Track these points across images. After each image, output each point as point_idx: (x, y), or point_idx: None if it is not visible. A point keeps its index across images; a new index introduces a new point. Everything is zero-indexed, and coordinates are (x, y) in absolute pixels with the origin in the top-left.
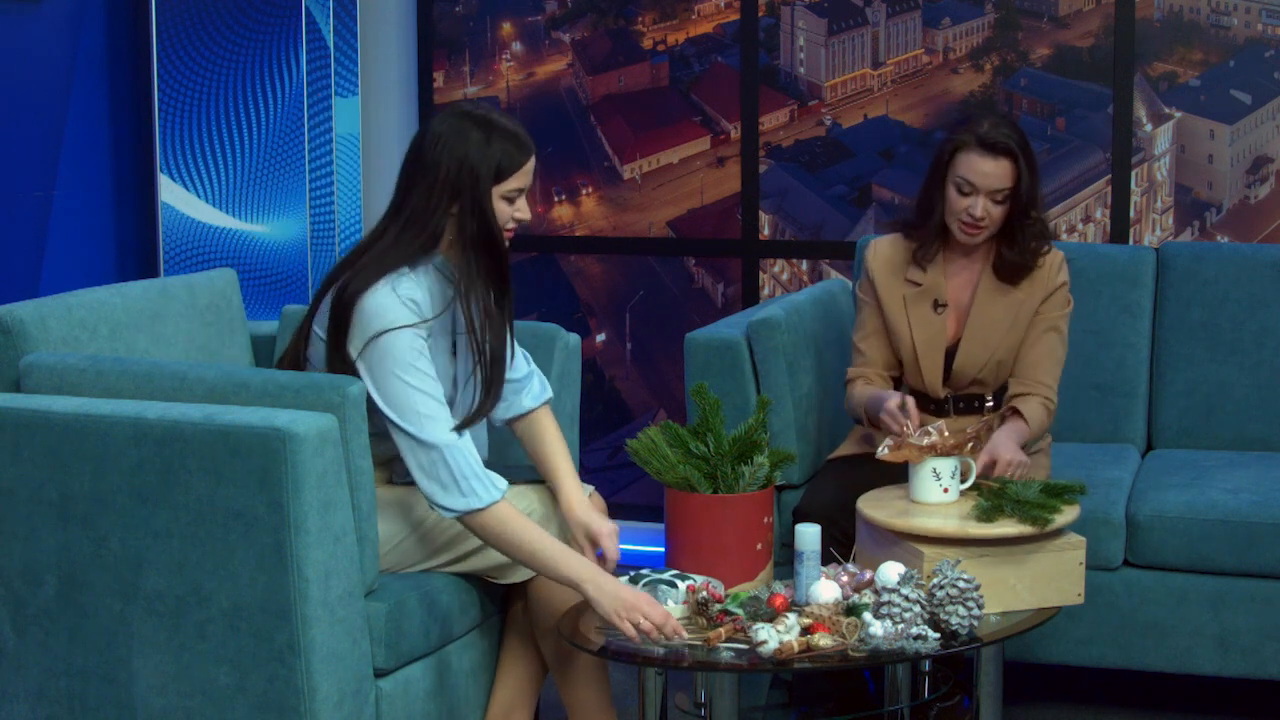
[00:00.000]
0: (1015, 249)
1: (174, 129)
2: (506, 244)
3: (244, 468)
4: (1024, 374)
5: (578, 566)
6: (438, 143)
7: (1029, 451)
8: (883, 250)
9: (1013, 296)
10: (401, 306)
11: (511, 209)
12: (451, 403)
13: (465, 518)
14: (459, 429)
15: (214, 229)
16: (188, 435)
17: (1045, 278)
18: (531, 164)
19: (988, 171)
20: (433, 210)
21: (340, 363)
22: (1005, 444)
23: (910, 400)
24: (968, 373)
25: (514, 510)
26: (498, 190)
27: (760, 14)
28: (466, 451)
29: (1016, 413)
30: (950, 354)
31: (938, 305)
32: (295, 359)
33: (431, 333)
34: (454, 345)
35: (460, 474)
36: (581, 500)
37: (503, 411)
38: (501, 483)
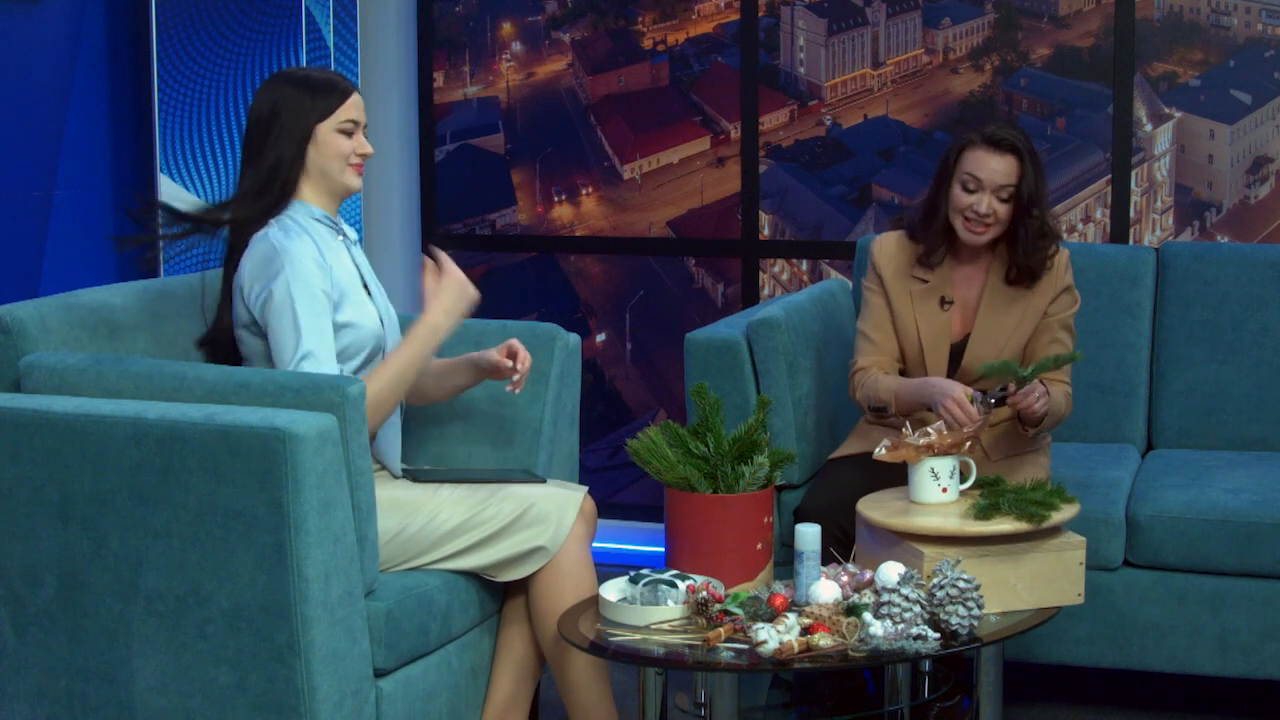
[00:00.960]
0: (1022, 251)
1: (174, 129)
2: (355, 180)
3: (244, 468)
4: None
5: (428, 322)
6: (261, 108)
7: (1030, 450)
8: (889, 247)
9: (1023, 298)
10: (295, 245)
11: (352, 143)
12: (382, 343)
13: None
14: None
15: None
16: (188, 435)
17: (1053, 277)
18: (357, 98)
19: (993, 167)
20: (275, 166)
21: (245, 331)
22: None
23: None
24: (974, 370)
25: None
26: (329, 124)
27: (760, 14)
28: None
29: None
30: (957, 351)
31: (944, 302)
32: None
33: (342, 291)
34: (366, 289)
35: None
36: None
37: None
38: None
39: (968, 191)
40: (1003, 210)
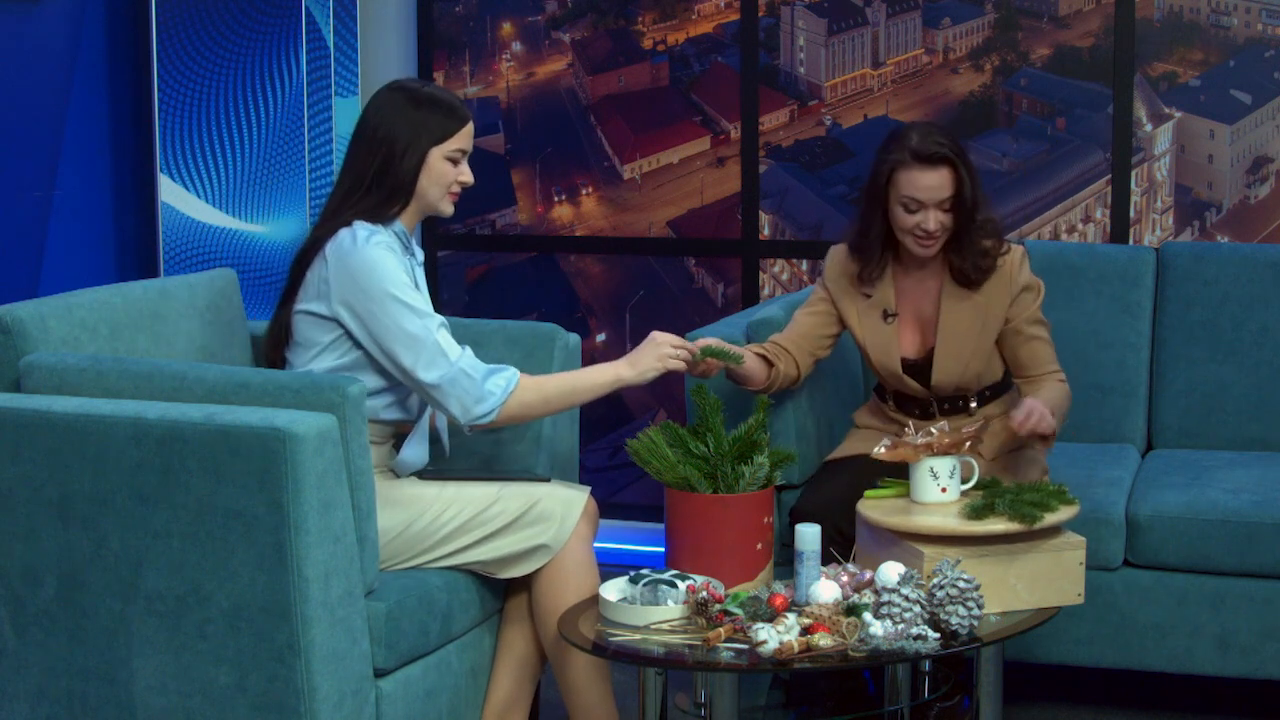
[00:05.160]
0: (963, 254)
1: (174, 129)
2: (450, 208)
3: (244, 468)
4: (1026, 371)
5: (608, 372)
6: (378, 115)
7: (1027, 449)
8: (838, 259)
9: (975, 303)
10: (378, 249)
11: (456, 171)
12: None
13: (506, 407)
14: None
15: (214, 229)
16: (188, 435)
17: (1006, 279)
18: (469, 128)
19: (930, 184)
20: (379, 176)
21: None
22: (1036, 401)
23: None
24: (948, 384)
25: (531, 377)
26: (440, 150)
27: (760, 14)
28: (469, 356)
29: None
30: (925, 368)
31: (887, 315)
32: (274, 351)
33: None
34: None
35: (480, 376)
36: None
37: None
38: (509, 369)
39: (910, 212)
40: (948, 220)
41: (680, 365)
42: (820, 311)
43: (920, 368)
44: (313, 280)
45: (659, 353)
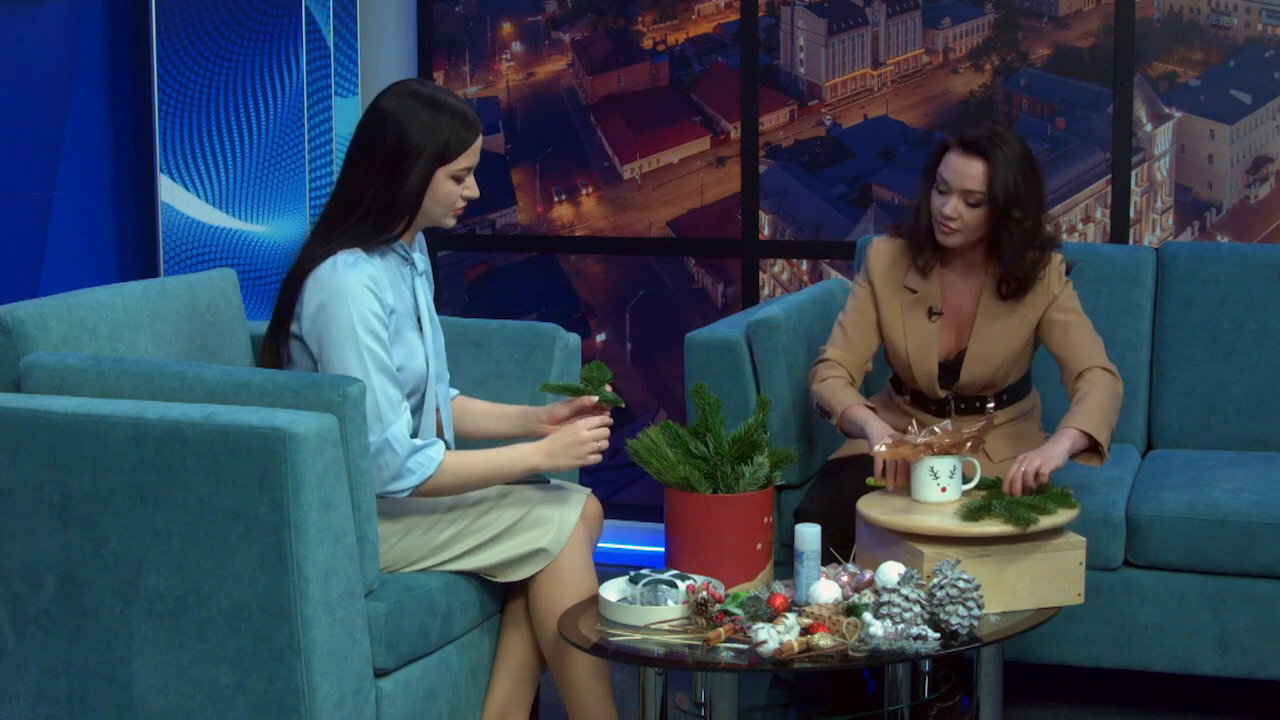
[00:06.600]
0: (1006, 258)
1: (174, 129)
2: (452, 222)
3: (244, 468)
4: (1070, 365)
5: (527, 455)
6: (383, 125)
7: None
8: (885, 251)
9: (1014, 309)
10: (357, 282)
11: (460, 188)
12: (423, 382)
13: (421, 487)
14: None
15: (214, 229)
16: (188, 435)
17: (1046, 289)
18: (479, 143)
19: (960, 170)
20: (382, 193)
21: (286, 349)
22: (1035, 454)
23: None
24: (974, 385)
25: (455, 454)
26: (447, 170)
27: (760, 14)
28: (399, 427)
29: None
30: (955, 367)
31: (932, 313)
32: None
33: (395, 311)
34: (419, 322)
35: (404, 453)
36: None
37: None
38: (437, 444)
39: (940, 193)
40: (969, 215)
41: (599, 458)
42: (867, 322)
43: (948, 369)
44: (299, 305)
45: (577, 453)
